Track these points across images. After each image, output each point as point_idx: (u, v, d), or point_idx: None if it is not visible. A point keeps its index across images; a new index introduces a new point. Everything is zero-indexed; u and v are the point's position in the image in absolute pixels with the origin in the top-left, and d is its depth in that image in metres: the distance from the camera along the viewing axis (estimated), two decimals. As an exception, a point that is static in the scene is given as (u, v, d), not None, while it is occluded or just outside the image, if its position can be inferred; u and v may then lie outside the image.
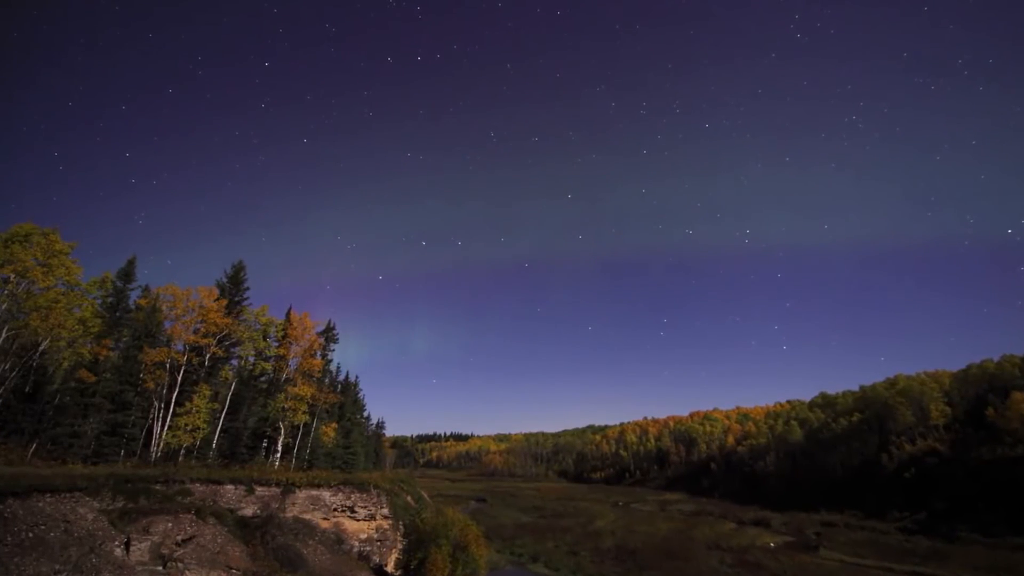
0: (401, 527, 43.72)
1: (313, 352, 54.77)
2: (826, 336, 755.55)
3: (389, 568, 41.60)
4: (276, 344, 55.77)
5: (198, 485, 32.98)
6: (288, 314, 55.88)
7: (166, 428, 42.52)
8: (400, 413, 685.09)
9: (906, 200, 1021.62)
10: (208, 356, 47.39)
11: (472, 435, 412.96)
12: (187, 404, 42.97)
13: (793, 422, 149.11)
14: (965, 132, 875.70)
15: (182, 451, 43.44)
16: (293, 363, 54.08)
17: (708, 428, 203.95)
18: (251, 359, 57.26)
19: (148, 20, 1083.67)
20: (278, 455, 50.79)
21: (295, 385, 50.94)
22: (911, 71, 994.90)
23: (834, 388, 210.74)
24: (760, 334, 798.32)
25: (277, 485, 37.25)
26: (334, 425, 62.19)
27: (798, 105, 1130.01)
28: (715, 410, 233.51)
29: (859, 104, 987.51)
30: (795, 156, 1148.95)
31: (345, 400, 73.21)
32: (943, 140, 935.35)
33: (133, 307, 48.75)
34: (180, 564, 25.41)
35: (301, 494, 38.37)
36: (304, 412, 50.51)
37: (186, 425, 41.97)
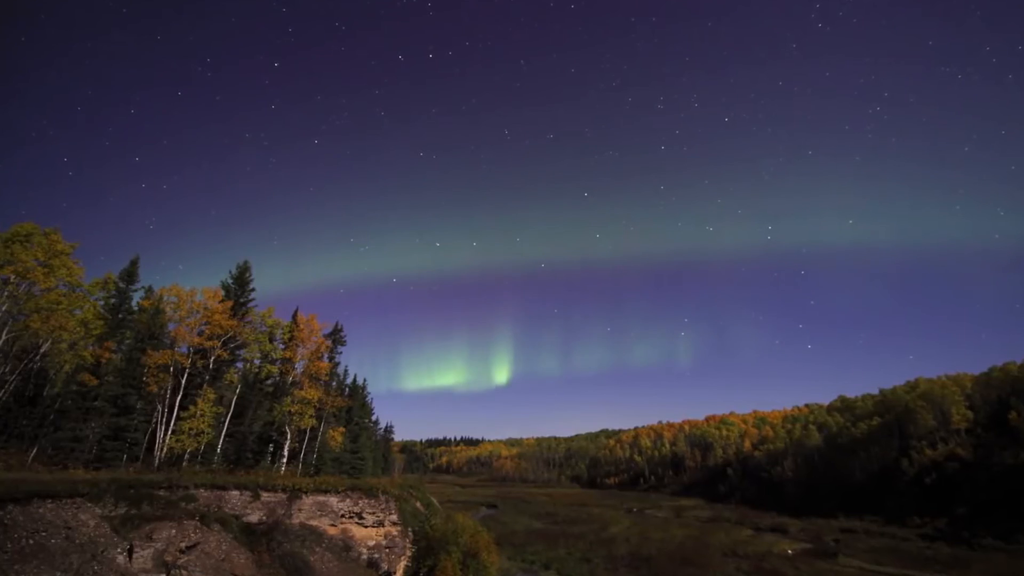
0: (410, 534, 42.88)
1: (320, 355, 54.08)
2: (851, 335, 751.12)
3: (398, 576, 40.75)
4: (282, 347, 55.20)
5: (202, 491, 32.33)
6: (295, 316, 55.26)
7: (170, 432, 41.91)
8: (410, 417, 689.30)
9: (934, 193, 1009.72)
10: (213, 359, 46.72)
11: (483, 440, 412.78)
12: (191, 408, 42.33)
13: (811, 426, 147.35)
14: (994, 122, 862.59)
15: (186, 456, 42.87)
16: (300, 366, 53.38)
17: (724, 432, 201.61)
18: (257, 362, 56.91)
19: (156, 22, 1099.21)
20: (284, 460, 50.06)
21: (302, 388, 50.21)
22: (937, 60, 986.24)
23: (854, 391, 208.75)
24: (783, 333, 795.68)
25: (283, 491, 36.49)
26: (342, 430, 61.47)
27: (820, 97, 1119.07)
28: (731, 414, 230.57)
29: (883, 95, 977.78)
30: (818, 150, 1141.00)
31: (353, 404, 72.61)
32: (971, 131, 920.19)
33: (136, 308, 48.41)
34: (184, 571, 24.89)
35: (308, 500, 37.58)
36: (311, 416, 49.76)
37: (190, 429, 41.31)
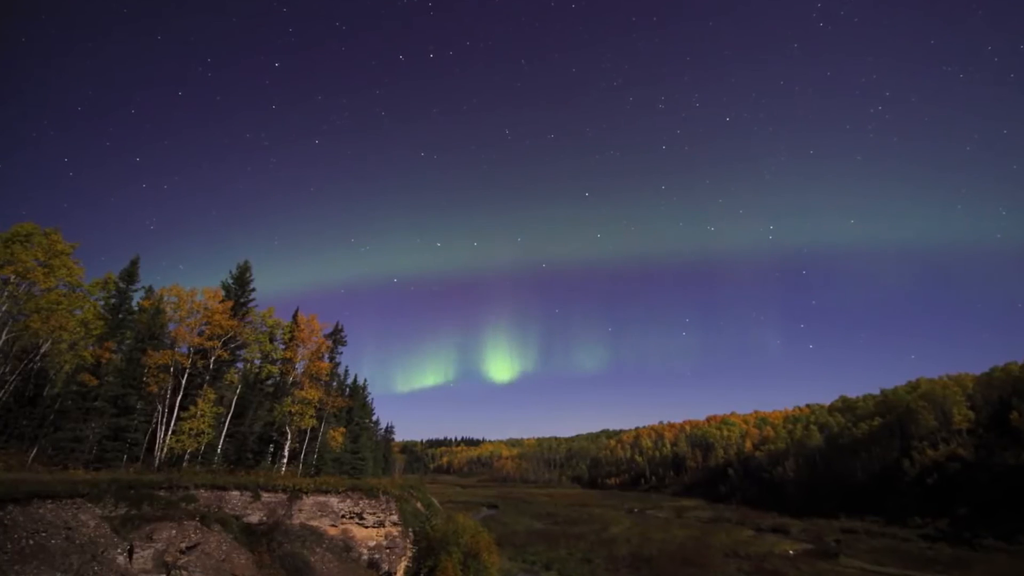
0: (411, 534, 42.76)
1: (321, 355, 53.94)
2: (853, 335, 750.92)
3: (398, 576, 40.66)
4: (283, 347, 55.10)
5: (203, 491, 32.22)
6: (295, 316, 55.16)
7: (170, 433, 41.76)
8: (411, 417, 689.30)
9: (936, 192, 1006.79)
10: (213, 359, 46.61)
11: (484, 440, 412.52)
12: (192, 408, 42.17)
13: (812, 427, 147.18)
14: (996, 121, 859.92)
15: (186, 456, 42.69)
16: (300, 366, 53.25)
17: (726, 433, 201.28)
18: (257, 362, 56.75)
19: (156, 22, 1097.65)
20: (285, 460, 49.95)
21: (302, 389, 50.06)
22: (938, 60, 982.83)
23: (855, 391, 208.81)
24: (785, 333, 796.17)
25: (284, 491, 36.38)
26: (342, 430, 61.32)
27: (822, 97, 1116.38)
28: (733, 414, 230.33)
29: (885, 94, 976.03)
30: (819, 149, 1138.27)
31: (353, 404, 72.45)
32: (973, 130, 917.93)
33: (136, 309, 48.30)
34: (184, 572, 24.79)
35: (308, 500, 37.48)
36: (311, 416, 49.60)
37: (191, 430, 41.15)
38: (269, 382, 56.61)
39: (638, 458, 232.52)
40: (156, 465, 39.69)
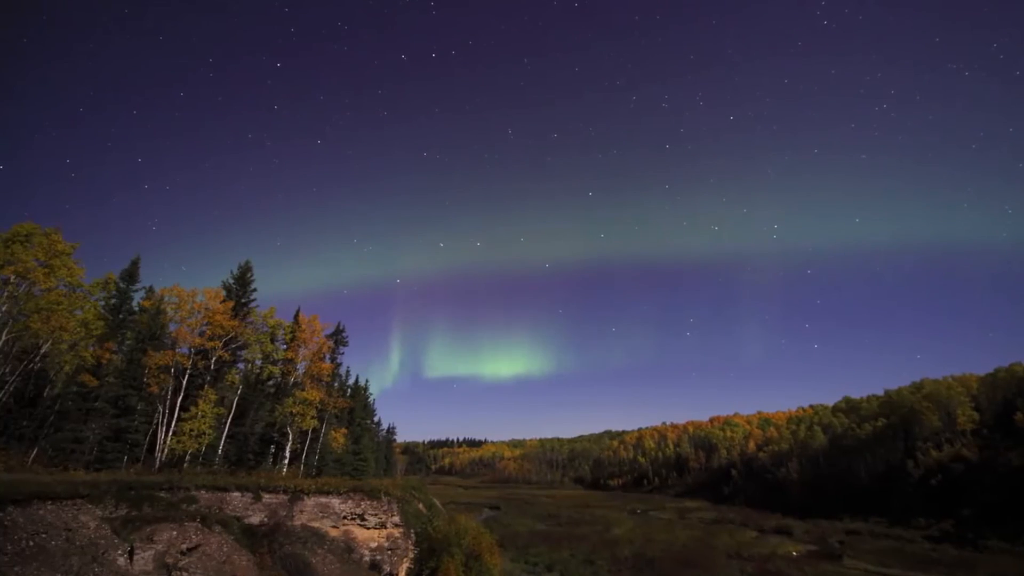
0: (413, 535, 42.63)
1: (322, 355, 53.84)
2: (857, 335, 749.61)
3: (400, 577, 40.50)
4: (284, 347, 54.96)
5: (204, 492, 32.09)
6: (296, 316, 55.08)
7: (171, 434, 41.66)
8: (413, 418, 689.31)
9: (941, 191, 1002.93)
10: (214, 360, 46.56)
11: (486, 441, 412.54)
12: (192, 409, 42.06)
13: (816, 427, 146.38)
14: (1001, 119, 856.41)
15: (187, 457, 42.58)
16: (301, 367, 53.19)
17: (729, 434, 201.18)
18: (258, 363, 56.52)
19: (157, 22, 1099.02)
20: (286, 461, 49.83)
21: (303, 389, 49.96)
22: (943, 57, 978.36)
23: (859, 392, 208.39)
24: (789, 333, 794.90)
25: (285, 492, 36.25)
26: (344, 431, 61.17)
27: (826, 95, 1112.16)
28: (736, 415, 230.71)
29: (890, 92, 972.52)
30: (824, 148, 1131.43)
31: (355, 405, 72.28)
32: (978, 128, 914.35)
33: (137, 309, 48.15)
34: (185, 573, 24.70)
35: (309, 501, 37.34)
36: (313, 417, 49.49)
37: (191, 431, 41.04)
38: (270, 383, 56.41)
39: (641, 459, 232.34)
40: (157, 466, 39.55)
